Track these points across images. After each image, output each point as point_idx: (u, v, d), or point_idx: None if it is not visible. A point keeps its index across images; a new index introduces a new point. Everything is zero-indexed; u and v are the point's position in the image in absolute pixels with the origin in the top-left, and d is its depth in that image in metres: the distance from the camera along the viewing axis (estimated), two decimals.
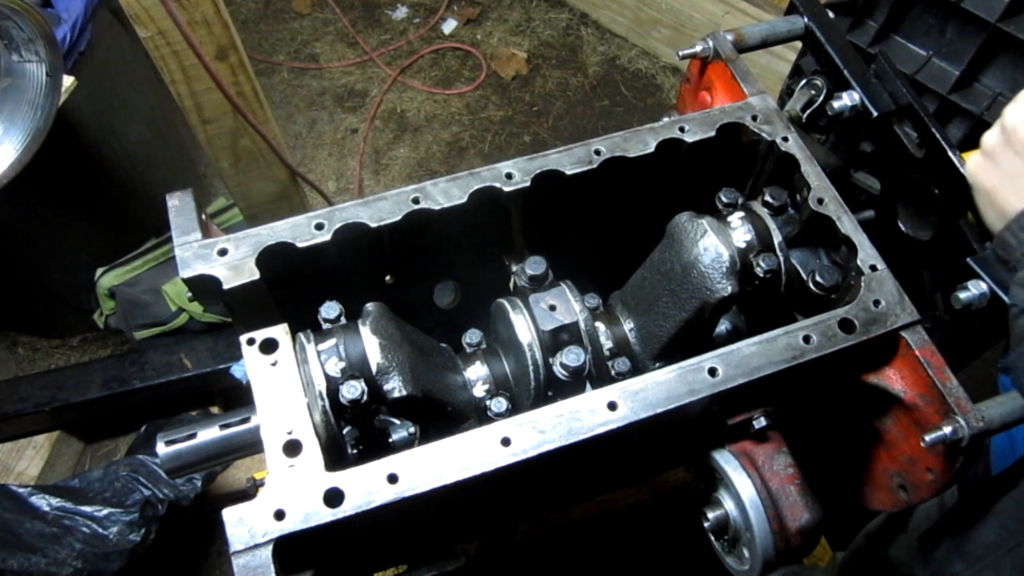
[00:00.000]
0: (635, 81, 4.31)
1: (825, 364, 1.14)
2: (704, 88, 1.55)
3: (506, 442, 1.03)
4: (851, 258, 1.24)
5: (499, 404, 1.26)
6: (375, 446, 1.20)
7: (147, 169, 3.13)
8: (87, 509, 2.23)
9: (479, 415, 1.29)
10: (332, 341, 1.17)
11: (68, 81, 2.32)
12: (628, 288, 1.41)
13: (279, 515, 0.97)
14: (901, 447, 1.26)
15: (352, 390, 1.10)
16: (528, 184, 1.28)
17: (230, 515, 0.97)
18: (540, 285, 1.31)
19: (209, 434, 1.16)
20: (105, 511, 2.23)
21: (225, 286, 1.16)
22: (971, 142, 2.27)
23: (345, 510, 0.97)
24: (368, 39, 4.49)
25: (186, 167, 3.61)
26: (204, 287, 1.18)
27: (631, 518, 2.58)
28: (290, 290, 1.31)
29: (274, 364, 1.11)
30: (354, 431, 1.22)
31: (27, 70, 2.10)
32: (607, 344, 1.34)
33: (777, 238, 1.28)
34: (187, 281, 1.18)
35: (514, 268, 1.39)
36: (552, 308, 1.27)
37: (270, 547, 0.95)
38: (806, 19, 1.51)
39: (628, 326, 1.37)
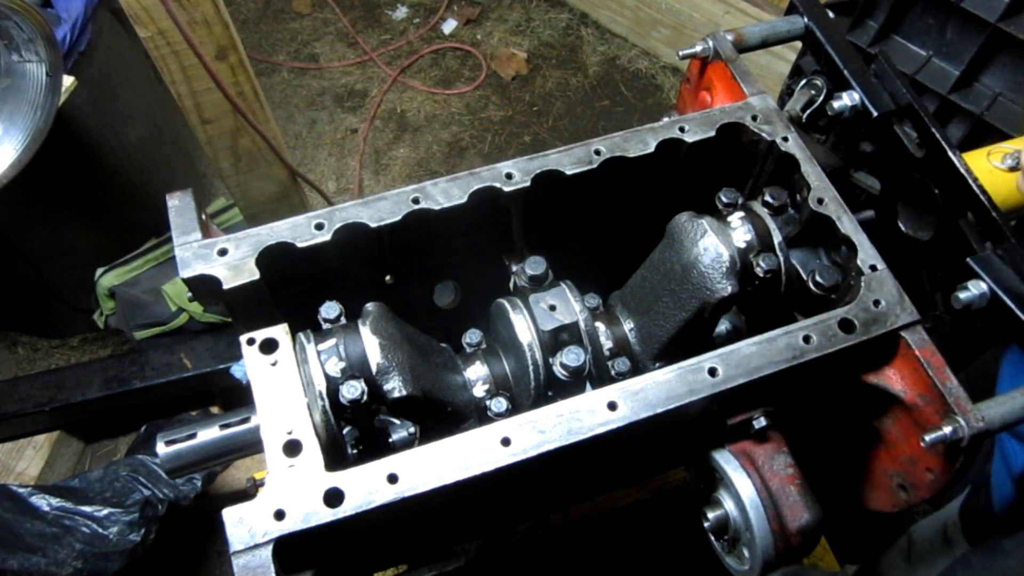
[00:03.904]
0: (635, 81, 4.31)
1: (825, 364, 1.14)
2: (704, 88, 1.55)
3: (506, 442, 1.03)
4: (851, 258, 1.24)
5: (499, 404, 1.26)
6: (375, 446, 1.20)
7: (147, 169, 3.13)
8: (87, 509, 2.23)
9: (479, 415, 1.29)
10: (332, 341, 1.17)
11: (68, 81, 2.32)
12: (628, 288, 1.41)
13: (279, 515, 0.97)
14: (901, 447, 1.26)
15: (352, 390, 1.10)
16: (528, 184, 1.28)
17: (230, 515, 0.97)
18: (540, 285, 1.31)
19: (209, 434, 1.16)
20: (105, 511, 2.24)
21: (225, 286, 1.16)
22: (971, 142, 2.28)
23: (345, 510, 0.97)
24: (368, 39, 4.50)
25: (186, 167, 3.61)
26: (204, 287, 1.18)
27: (631, 518, 2.58)
28: (290, 290, 1.31)
29: (274, 364, 1.11)
30: (354, 431, 1.22)
31: (27, 70, 2.10)
32: (607, 344, 1.34)
33: (777, 238, 1.28)
34: (187, 281, 1.17)
35: (514, 268, 1.39)
36: (552, 308, 1.27)
37: (270, 547, 0.95)
38: (806, 19, 1.51)
39: (628, 326, 1.37)
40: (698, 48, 1.50)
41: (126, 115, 2.97)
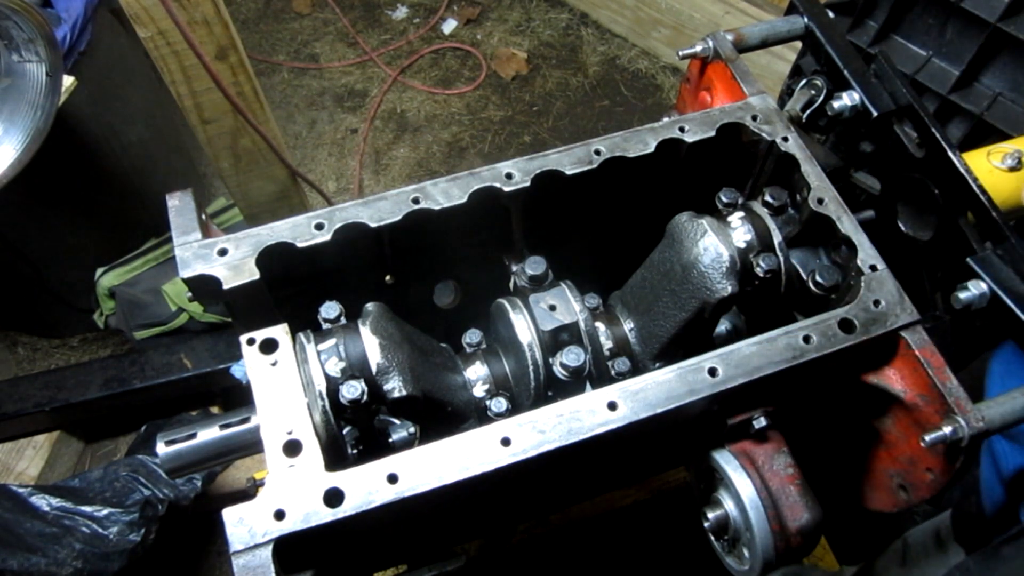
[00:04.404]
0: (635, 81, 4.31)
1: (825, 364, 1.14)
2: (704, 88, 1.55)
3: (506, 442, 1.03)
4: (851, 258, 1.24)
5: (499, 404, 1.26)
6: (375, 446, 1.20)
7: (147, 169, 3.13)
8: (87, 509, 2.23)
9: (479, 415, 1.29)
10: (332, 341, 1.17)
11: (68, 81, 2.32)
12: (628, 288, 1.41)
13: (279, 515, 0.97)
14: (901, 447, 1.26)
15: (352, 390, 1.10)
16: (528, 184, 1.28)
17: (230, 515, 0.97)
18: (540, 285, 1.31)
19: (209, 434, 1.16)
20: (105, 511, 2.24)
21: (225, 286, 1.16)
22: (971, 142, 2.28)
23: (345, 510, 0.97)
24: (368, 39, 4.50)
25: (186, 167, 3.61)
26: (204, 287, 1.18)
27: (631, 518, 2.58)
28: (290, 290, 1.31)
29: (274, 364, 1.11)
30: (354, 431, 1.22)
31: (27, 70, 2.10)
32: (607, 344, 1.34)
33: (777, 238, 1.28)
34: (187, 281, 1.18)
35: (514, 268, 1.39)
36: (552, 308, 1.27)
37: (270, 547, 0.95)
38: (806, 19, 1.51)
39: (628, 326, 1.37)
40: (698, 48, 1.50)
41: (126, 115, 2.97)
